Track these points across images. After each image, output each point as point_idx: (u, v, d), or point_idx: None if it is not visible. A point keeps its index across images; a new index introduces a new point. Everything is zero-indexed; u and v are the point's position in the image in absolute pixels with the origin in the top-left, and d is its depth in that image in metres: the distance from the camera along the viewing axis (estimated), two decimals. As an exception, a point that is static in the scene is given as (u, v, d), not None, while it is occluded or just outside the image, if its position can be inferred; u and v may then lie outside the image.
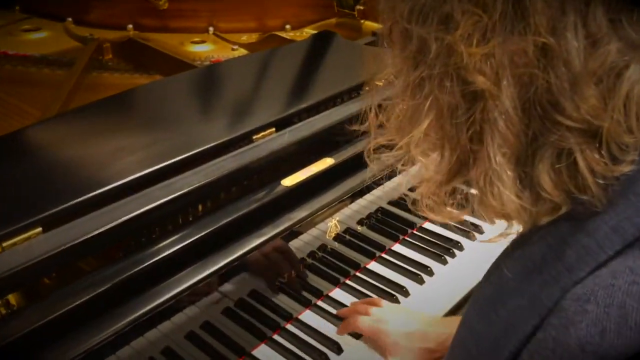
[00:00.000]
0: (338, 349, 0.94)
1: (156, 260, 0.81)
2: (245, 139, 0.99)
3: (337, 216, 1.02)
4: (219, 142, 0.96)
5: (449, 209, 0.55)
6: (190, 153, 0.92)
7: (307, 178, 0.95)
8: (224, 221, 0.86)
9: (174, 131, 0.98)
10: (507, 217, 0.50)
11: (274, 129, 1.02)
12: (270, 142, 0.99)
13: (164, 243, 0.83)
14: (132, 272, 0.79)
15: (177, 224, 0.90)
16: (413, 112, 0.50)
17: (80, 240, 0.77)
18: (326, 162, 0.99)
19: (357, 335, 0.97)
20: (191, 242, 0.83)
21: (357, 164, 1.03)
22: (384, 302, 0.98)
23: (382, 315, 0.92)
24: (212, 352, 0.91)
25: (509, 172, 0.46)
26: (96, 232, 0.79)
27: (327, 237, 1.02)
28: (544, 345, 0.45)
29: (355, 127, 0.61)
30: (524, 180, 0.47)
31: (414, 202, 0.56)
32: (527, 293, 0.48)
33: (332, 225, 1.01)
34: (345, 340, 0.96)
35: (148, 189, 0.86)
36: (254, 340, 0.95)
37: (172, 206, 0.86)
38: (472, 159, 0.49)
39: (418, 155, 0.52)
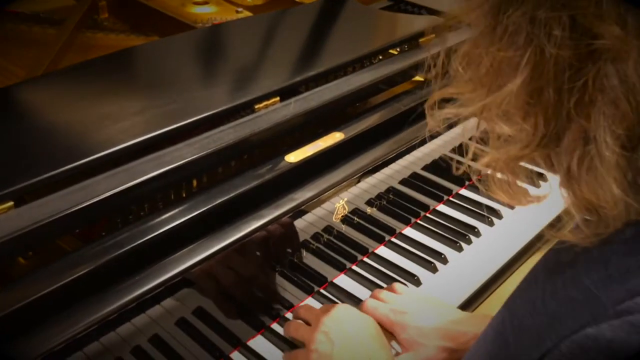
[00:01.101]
0: None
1: (144, 241, 0.72)
2: (247, 108, 0.90)
3: (345, 196, 0.92)
4: (216, 110, 0.86)
5: (523, 187, 0.46)
6: (185, 122, 0.82)
7: (313, 154, 0.85)
8: (221, 199, 0.77)
9: (168, 97, 0.88)
10: (595, 208, 0.41)
11: (278, 99, 0.92)
12: (273, 112, 0.90)
13: (153, 222, 0.74)
14: (117, 253, 0.70)
15: (168, 201, 0.81)
16: (503, 66, 0.40)
17: (57, 216, 0.69)
18: (335, 137, 0.89)
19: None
20: (183, 221, 0.74)
21: (369, 139, 0.93)
22: (400, 288, 0.88)
23: (400, 305, 0.83)
24: (204, 341, 0.83)
25: (616, 158, 0.37)
26: (76, 208, 0.70)
27: (334, 219, 0.93)
28: (593, 343, 0.39)
29: (419, 77, 0.51)
30: (633, 169, 0.38)
31: (481, 177, 0.47)
32: (583, 287, 0.42)
33: (340, 206, 0.92)
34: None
35: (136, 161, 0.77)
36: (250, 331, 0.87)
37: (163, 181, 0.77)
38: (570, 134, 0.39)
39: (496, 117, 0.42)
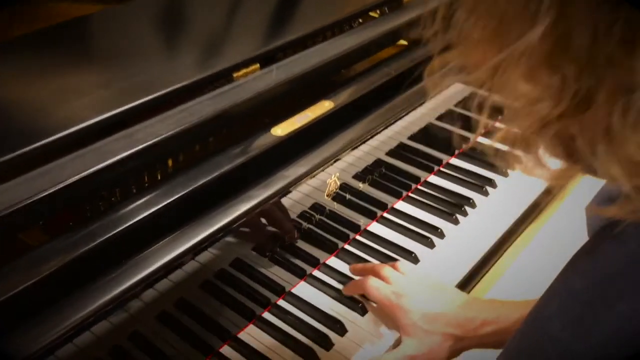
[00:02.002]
0: (341, 329, 0.80)
1: (119, 232, 0.63)
2: (224, 77, 0.81)
3: (335, 171, 0.85)
4: (191, 80, 0.77)
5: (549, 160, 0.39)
6: (157, 94, 0.73)
7: (302, 125, 0.77)
8: (203, 180, 0.68)
9: (136, 68, 0.78)
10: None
11: (257, 66, 0.84)
12: (254, 81, 0.81)
13: (127, 209, 0.66)
14: (89, 246, 0.61)
15: (142, 185, 0.72)
16: (521, 9, 0.33)
17: (16, 207, 0.59)
18: (324, 106, 0.82)
19: (363, 311, 0.82)
20: (162, 207, 0.65)
21: (361, 107, 0.86)
22: (404, 266, 0.82)
23: (403, 288, 0.77)
24: (189, 337, 0.75)
25: None
26: (38, 196, 0.61)
27: (325, 196, 0.85)
28: None
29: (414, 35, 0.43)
30: None
31: (496, 152, 0.40)
32: None
33: (332, 182, 0.85)
34: (350, 317, 0.81)
35: (104, 140, 0.68)
36: (240, 321, 0.80)
37: (136, 162, 0.68)
38: (608, 83, 0.32)
39: (516, 77, 0.35)
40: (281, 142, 0.75)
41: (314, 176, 0.78)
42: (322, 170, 0.79)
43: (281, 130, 0.76)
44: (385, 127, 0.91)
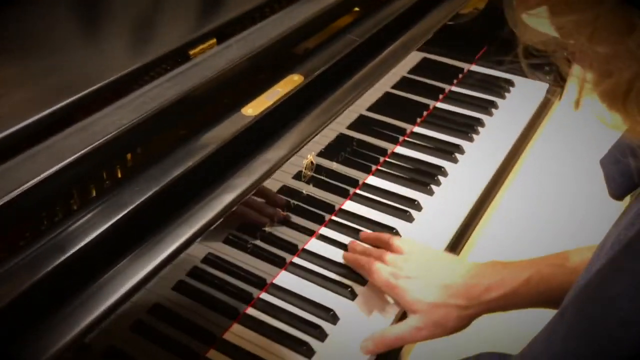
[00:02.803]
0: (333, 317, 0.75)
1: (80, 250, 0.54)
2: (180, 55, 0.73)
3: (311, 151, 0.79)
4: (143, 63, 0.68)
5: None
6: (108, 80, 0.64)
7: (274, 103, 0.70)
8: (176, 173, 0.60)
9: (74, 54, 0.69)
10: None
11: (214, 40, 0.76)
12: (214, 58, 0.73)
13: (85, 219, 0.56)
14: (53, 265, 0.52)
15: (102, 186, 0.64)
16: None
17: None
18: (294, 80, 0.75)
19: (353, 295, 0.78)
20: (135, 209, 0.57)
21: (333, 77, 0.80)
22: (398, 244, 0.78)
23: (401, 268, 0.73)
24: (169, 347, 0.68)
25: None
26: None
27: (303, 178, 0.79)
28: None
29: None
30: None
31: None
32: None
33: (308, 162, 0.79)
34: (340, 303, 0.76)
35: (52, 138, 0.58)
36: (223, 321, 0.73)
37: (95, 158, 0.59)
38: None
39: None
40: (255, 122, 0.68)
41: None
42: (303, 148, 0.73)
43: (252, 109, 0.69)
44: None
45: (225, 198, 0.61)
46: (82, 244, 0.54)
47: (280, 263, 0.80)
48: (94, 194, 0.64)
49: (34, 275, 0.51)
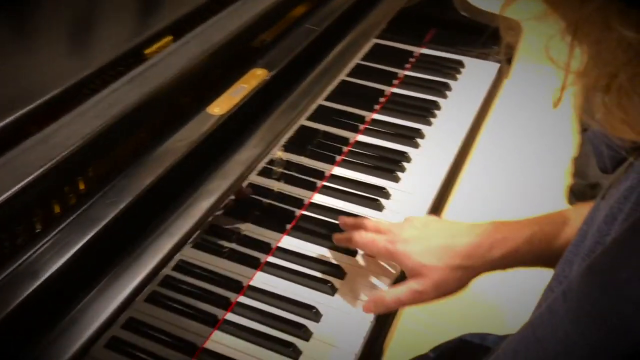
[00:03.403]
0: (316, 315, 0.73)
1: (49, 277, 0.50)
2: (135, 55, 0.69)
3: (281, 147, 0.77)
4: (98, 66, 0.64)
5: None
6: (62, 88, 0.60)
7: (241, 100, 0.68)
8: (148, 181, 0.57)
9: (18, 62, 0.64)
10: None
11: (170, 38, 0.72)
12: (171, 56, 0.70)
13: (52, 241, 0.52)
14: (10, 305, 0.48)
15: (66, 203, 0.59)
16: None
17: None
18: (257, 75, 0.72)
19: (333, 290, 0.76)
20: (99, 232, 0.53)
21: (299, 69, 0.77)
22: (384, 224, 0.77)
23: (397, 234, 0.72)
24: (151, 352, 0.65)
25: None
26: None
27: (273, 175, 0.77)
28: None
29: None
30: None
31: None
32: None
33: (277, 158, 0.76)
34: (321, 300, 0.75)
35: (7, 154, 0.54)
36: (203, 330, 0.70)
37: (57, 175, 0.55)
38: None
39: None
40: (223, 121, 0.65)
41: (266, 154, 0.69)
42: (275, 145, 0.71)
43: (219, 108, 0.66)
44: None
45: (203, 204, 0.58)
46: (52, 269, 0.50)
47: (255, 264, 0.78)
48: (58, 210, 0.59)
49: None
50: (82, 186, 0.63)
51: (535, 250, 0.68)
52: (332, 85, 0.98)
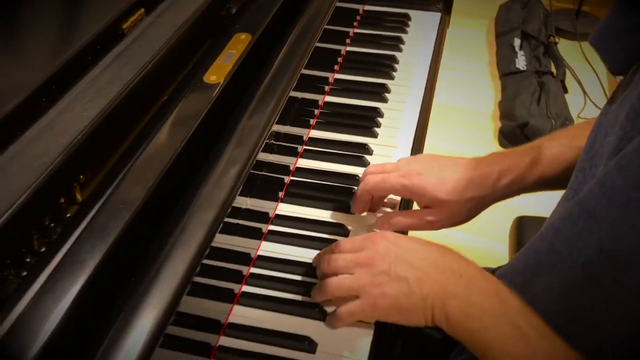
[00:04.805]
0: (309, 344, 0.66)
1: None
2: (113, 32, 0.64)
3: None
4: (80, 46, 0.60)
5: None
6: (52, 72, 0.55)
7: (235, 65, 0.65)
8: (166, 164, 0.54)
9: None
10: None
11: (142, 10, 0.68)
12: (151, 28, 0.66)
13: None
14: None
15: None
16: None
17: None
18: (241, 40, 0.70)
19: (322, 317, 0.68)
20: (134, 217, 0.50)
21: (280, 32, 0.75)
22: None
23: (410, 169, 0.72)
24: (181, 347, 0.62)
25: None
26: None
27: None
28: None
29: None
30: None
31: None
32: None
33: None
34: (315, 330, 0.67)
35: (9, 149, 0.49)
36: (222, 306, 0.69)
37: (74, 161, 0.51)
38: None
39: None
40: (225, 88, 0.62)
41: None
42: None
43: (215, 76, 0.64)
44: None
45: (232, 171, 0.56)
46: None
47: (258, 235, 0.76)
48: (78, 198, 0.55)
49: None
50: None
51: (537, 174, 0.70)
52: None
